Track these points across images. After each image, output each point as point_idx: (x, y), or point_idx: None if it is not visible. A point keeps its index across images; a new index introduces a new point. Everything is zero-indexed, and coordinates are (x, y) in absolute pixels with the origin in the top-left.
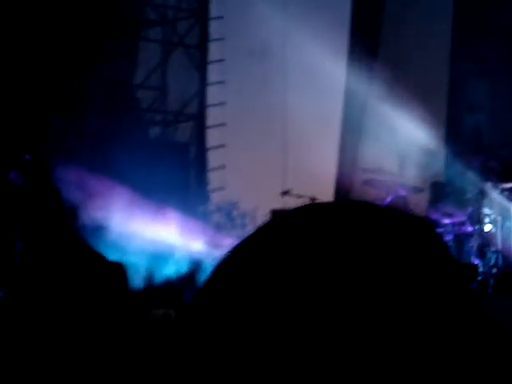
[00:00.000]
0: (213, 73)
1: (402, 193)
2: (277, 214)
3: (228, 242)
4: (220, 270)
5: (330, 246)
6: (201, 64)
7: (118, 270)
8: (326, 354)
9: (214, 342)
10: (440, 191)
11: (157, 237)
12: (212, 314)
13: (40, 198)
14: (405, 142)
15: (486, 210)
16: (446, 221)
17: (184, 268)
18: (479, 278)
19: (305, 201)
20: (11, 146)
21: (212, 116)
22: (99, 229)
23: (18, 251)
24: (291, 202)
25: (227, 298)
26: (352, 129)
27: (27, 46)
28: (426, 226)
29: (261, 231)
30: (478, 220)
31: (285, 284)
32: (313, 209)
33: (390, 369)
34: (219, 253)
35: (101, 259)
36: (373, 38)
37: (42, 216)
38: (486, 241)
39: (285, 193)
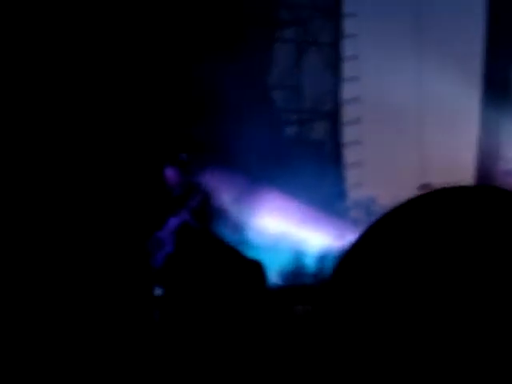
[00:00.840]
0: (347, 69)
1: None
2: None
3: None
4: (359, 247)
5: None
6: (335, 61)
7: (257, 267)
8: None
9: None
10: None
11: (294, 234)
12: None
13: (190, 198)
14: None
15: None
16: None
17: (321, 264)
18: None
19: None
20: (161, 147)
21: (347, 113)
22: (237, 227)
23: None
24: None
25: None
26: (492, 119)
27: (169, 53)
28: None
29: (395, 214)
30: None
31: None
32: (448, 192)
33: None
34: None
35: (240, 257)
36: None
37: (193, 214)
38: None
39: (423, 187)
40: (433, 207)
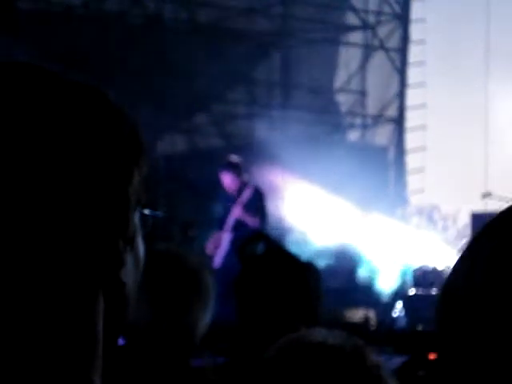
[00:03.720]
0: (413, 75)
1: None
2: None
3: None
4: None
5: None
6: (401, 66)
7: (311, 270)
8: None
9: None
10: None
11: (354, 238)
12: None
13: (244, 196)
14: None
15: None
16: None
17: (378, 269)
18: None
19: (507, 203)
20: None
21: (412, 118)
22: (291, 230)
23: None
24: (493, 205)
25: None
26: None
27: None
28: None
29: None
30: None
31: None
32: None
33: None
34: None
35: (294, 260)
36: None
37: (246, 211)
38: None
39: (486, 195)
40: None
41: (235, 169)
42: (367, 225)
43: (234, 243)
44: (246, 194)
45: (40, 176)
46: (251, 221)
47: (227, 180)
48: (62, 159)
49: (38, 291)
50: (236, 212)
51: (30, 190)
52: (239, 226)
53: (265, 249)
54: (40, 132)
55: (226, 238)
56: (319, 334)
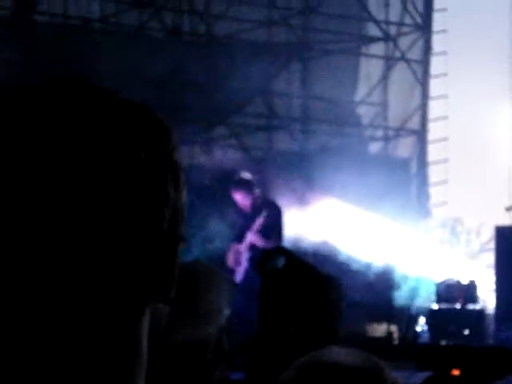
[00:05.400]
0: (435, 86)
1: None
2: None
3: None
4: None
5: None
6: (423, 78)
7: (332, 284)
8: None
9: None
10: None
11: (374, 250)
12: None
13: (260, 213)
14: None
15: None
16: None
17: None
18: None
19: None
20: None
21: (434, 130)
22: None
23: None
24: None
25: None
26: None
27: None
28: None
29: None
30: None
31: None
32: None
33: None
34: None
35: (314, 274)
36: None
37: (264, 229)
38: None
39: (510, 208)
40: None
41: (247, 185)
42: (390, 237)
43: (251, 261)
44: (260, 220)
45: (85, 186)
46: (265, 244)
47: (239, 198)
48: (109, 173)
49: (85, 301)
50: (250, 237)
51: (77, 200)
52: (255, 247)
53: (285, 263)
54: (88, 148)
55: (244, 255)
56: (339, 353)
